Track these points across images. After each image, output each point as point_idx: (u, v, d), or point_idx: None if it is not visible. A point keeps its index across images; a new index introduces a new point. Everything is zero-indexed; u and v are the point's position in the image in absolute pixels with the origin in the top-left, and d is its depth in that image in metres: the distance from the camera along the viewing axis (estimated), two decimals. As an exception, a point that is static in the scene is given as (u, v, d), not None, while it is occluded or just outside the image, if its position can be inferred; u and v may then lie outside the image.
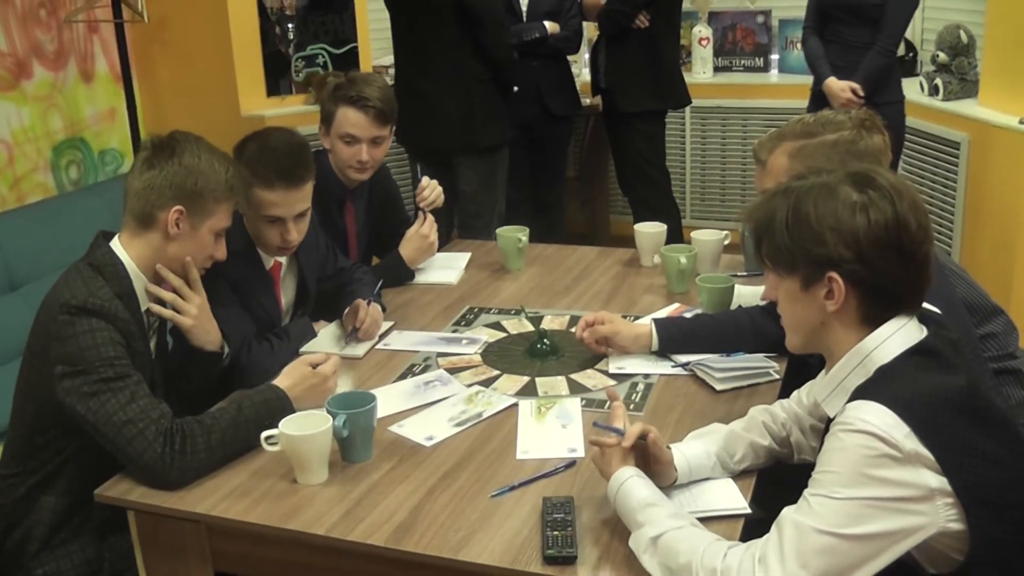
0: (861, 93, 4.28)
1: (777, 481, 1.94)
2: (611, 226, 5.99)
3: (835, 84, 4.37)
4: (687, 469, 1.90)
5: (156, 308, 2.24)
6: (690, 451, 1.93)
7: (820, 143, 2.18)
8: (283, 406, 2.12)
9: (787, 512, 1.55)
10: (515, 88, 4.34)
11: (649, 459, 1.86)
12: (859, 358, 1.63)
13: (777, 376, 2.34)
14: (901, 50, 5.25)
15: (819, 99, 4.47)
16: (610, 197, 6.00)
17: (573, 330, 2.68)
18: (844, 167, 1.68)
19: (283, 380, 2.20)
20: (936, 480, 1.49)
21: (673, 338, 2.47)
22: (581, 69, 5.79)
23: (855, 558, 1.49)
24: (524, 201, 4.84)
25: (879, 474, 1.48)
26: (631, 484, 1.74)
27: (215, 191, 2.19)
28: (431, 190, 3.25)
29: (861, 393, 1.58)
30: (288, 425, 1.99)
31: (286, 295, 2.74)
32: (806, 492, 1.55)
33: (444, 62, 4.10)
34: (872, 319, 1.63)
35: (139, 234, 2.19)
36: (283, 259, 2.68)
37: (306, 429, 1.96)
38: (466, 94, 4.09)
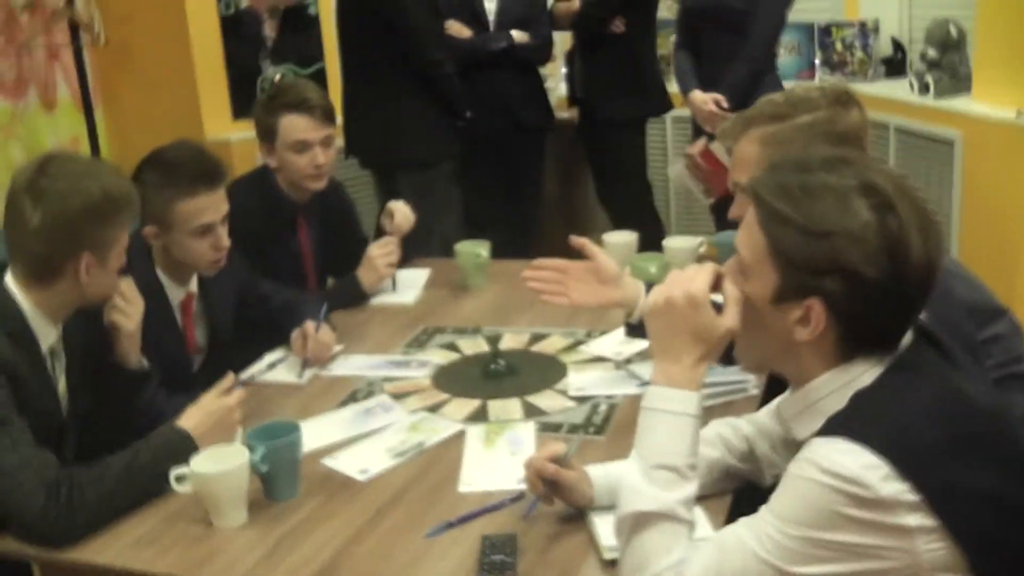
0: (724, 104, 4.04)
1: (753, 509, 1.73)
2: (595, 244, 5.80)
3: (697, 96, 4.16)
4: (605, 485, 1.70)
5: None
6: (615, 467, 1.70)
7: (795, 126, 1.96)
8: (186, 447, 1.89)
9: (740, 526, 1.37)
10: (467, 112, 4.21)
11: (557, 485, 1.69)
12: (839, 383, 1.39)
13: (756, 391, 2.14)
14: (888, 51, 5.11)
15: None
16: (591, 213, 5.80)
17: (533, 349, 2.49)
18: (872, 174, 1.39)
19: (185, 420, 1.96)
20: (915, 520, 1.26)
21: None
22: (558, 83, 5.62)
23: None
24: (499, 220, 4.65)
25: (847, 512, 1.26)
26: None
27: (119, 215, 1.99)
28: (400, 215, 3.04)
29: (834, 425, 1.34)
30: (200, 462, 1.78)
31: (199, 335, 2.55)
32: (763, 510, 1.35)
33: (376, 74, 4.03)
34: (846, 355, 1.39)
35: (39, 286, 1.96)
36: (195, 290, 2.50)
37: (220, 465, 1.76)
38: (394, 107, 4.00)
